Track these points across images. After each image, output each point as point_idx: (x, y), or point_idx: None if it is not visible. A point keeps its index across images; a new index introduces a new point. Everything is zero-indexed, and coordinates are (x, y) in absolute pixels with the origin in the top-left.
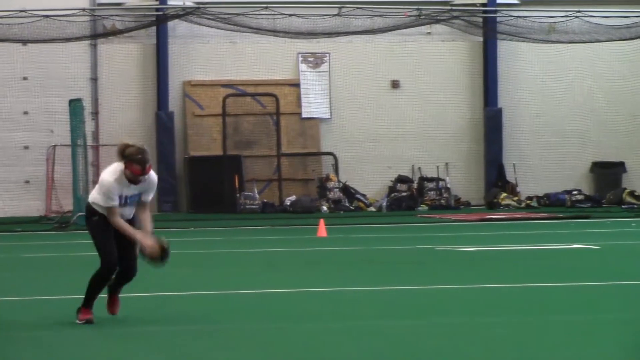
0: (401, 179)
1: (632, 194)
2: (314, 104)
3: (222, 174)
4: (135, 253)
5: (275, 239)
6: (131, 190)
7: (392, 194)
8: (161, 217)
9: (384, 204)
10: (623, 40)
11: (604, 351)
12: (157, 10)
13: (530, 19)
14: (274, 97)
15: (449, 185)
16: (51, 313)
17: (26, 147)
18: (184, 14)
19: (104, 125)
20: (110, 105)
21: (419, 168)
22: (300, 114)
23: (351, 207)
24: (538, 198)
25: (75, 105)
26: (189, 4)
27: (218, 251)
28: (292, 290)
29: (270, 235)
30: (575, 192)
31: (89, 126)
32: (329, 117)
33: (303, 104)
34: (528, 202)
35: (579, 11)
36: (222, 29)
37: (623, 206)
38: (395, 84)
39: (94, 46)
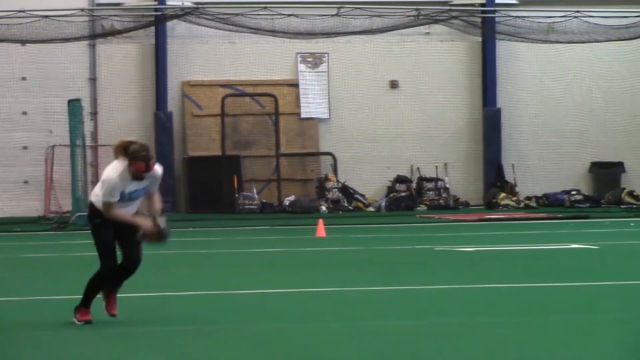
0: (400, 179)
1: (631, 194)
2: (312, 104)
3: (221, 174)
4: (139, 249)
5: (274, 239)
6: (135, 185)
7: (391, 194)
8: None
9: (383, 204)
10: (622, 41)
11: (604, 351)
12: (156, 10)
13: (529, 19)
14: (272, 97)
15: (447, 186)
16: (51, 313)
17: (25, 148)
18: (183, 14)
19: (102, 125)
20: (109, 106)
21: (418, 168)
22: (299, 114)
23: (350, 207)
24: (537, 198)
25: (74, 106)
26: (187, 4)
27: (217, 251)
28: (292, 291)
29: (269, 236)
30: (574, 192)
31: (87, 126)
32: (328, 117)
33: (302, 104)
34: (527, 202)
35: (577, 11)
36: (220, 29)
37: (622, 206)
38: (394, 84)
39: (92, 46)
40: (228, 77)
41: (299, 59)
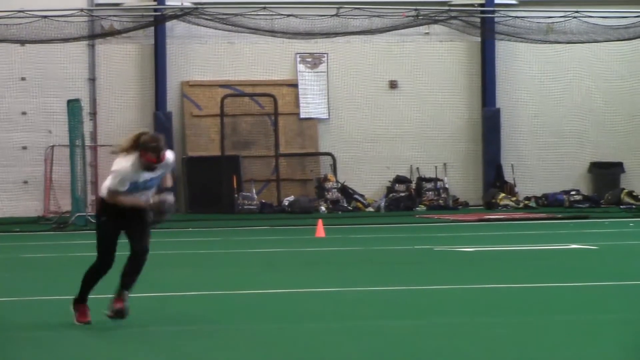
0: (399, 179)
1: (630, 194)
2: (312, 105)
3: (220, 175)
4: (147, 238)
5: (274, 239)
6: (149, 174)
7: (391, 194)
8: None
9: (382, 204)
10: (621, 41)
11: (604, 351)
12: (155, 10)
13: (528, 19)
14: (272, 97)
15: (447, 186)
16: (50, 313)
17: (24, 148)
18: (182, 14)
19: (102, 125)
20: (108, 106)
21: (417, 168)
22: (298, 114)
23: (349, 208)
24: (536, 198)
25: (73, 106)
26: (186, 4)
27: (217, 251)
28: (292, 291)
29: (268, 236)
30: (573, 193)
31: (87, 126)
32: (327, 117)
33: (301, 105)
34: (526, 202)
35: (577, 11)
36: (220, 29)
37: (621, 206)
38: (393, 84)
39: (92, 46)
40: (227, 77)
41: (298, 59)
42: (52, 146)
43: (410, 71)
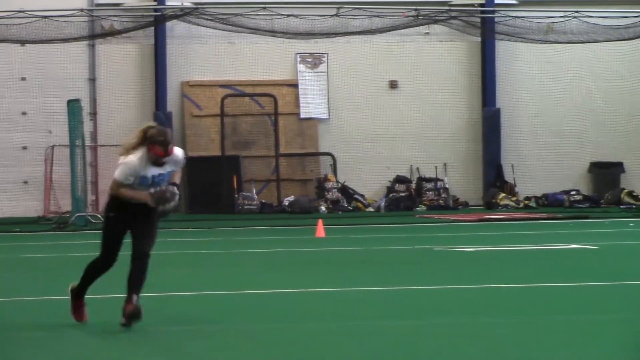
0: (399, 179)
1: (630, 194)
2: (312, 105)
3: (220, 175)
4: (150, 241)
5: (274, 239)
6: (158, 170)
7: (391, 195)
8: None
9: (382, 204)
10: (621, 41)
11: (604, 351)
12: (155, 10)
13: (528, 19)
14: (272, 97)
15: (447, 186)
16: (50, 313)
17: (24, 148)
18: (182, 14)
19: (102, 125)
20: (108, 106)
21: (417, 168)
22: (298, 114)
23: (349, 208)
24: (536, 198)
25: (73, 106)
26: (187, 4)
27: (217, 251)
28: (292, 291)
29: (268, 236)
30: (573, 193)
31: (87, 126)
32: (327, 117)
33: (301, 105)
34: (526, 202)
35: (577, 11)
36: (220, 29)
37: (621, 206)
38: (393, 85)
39: (92, 46)
40: (227, 77)
41: (299, 59)
42: (52, 146)
43: (410, 71)
